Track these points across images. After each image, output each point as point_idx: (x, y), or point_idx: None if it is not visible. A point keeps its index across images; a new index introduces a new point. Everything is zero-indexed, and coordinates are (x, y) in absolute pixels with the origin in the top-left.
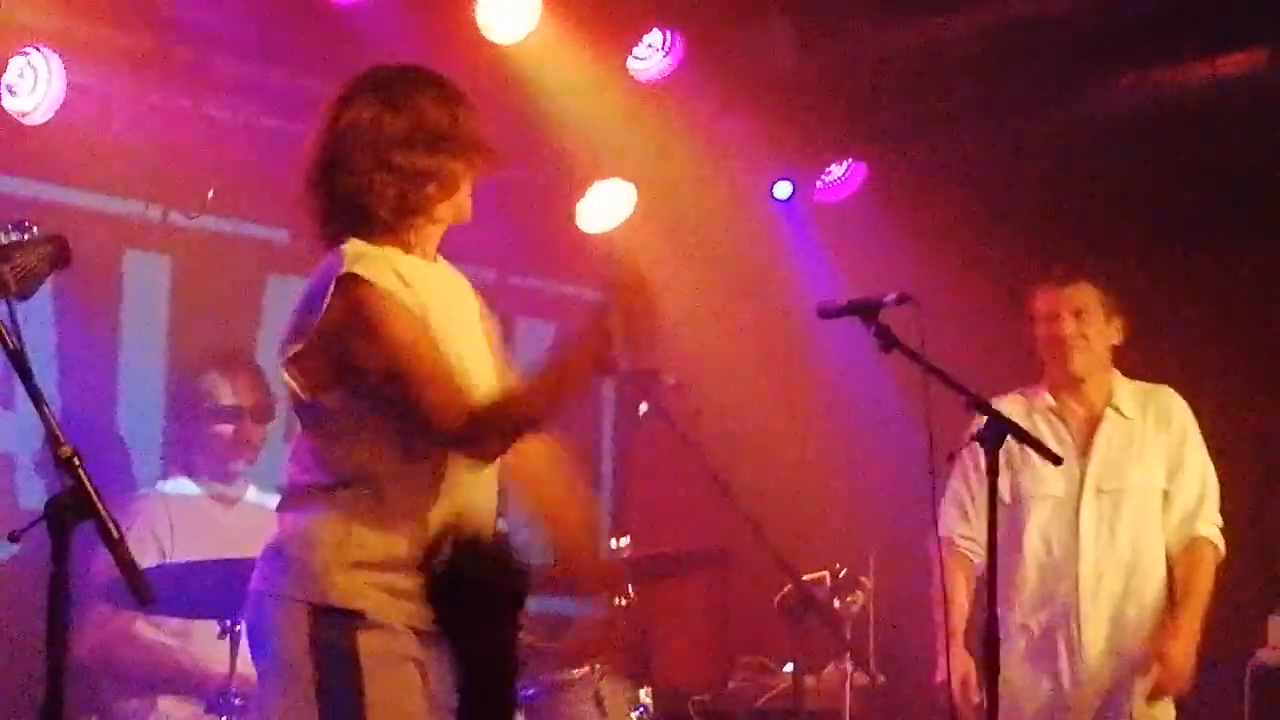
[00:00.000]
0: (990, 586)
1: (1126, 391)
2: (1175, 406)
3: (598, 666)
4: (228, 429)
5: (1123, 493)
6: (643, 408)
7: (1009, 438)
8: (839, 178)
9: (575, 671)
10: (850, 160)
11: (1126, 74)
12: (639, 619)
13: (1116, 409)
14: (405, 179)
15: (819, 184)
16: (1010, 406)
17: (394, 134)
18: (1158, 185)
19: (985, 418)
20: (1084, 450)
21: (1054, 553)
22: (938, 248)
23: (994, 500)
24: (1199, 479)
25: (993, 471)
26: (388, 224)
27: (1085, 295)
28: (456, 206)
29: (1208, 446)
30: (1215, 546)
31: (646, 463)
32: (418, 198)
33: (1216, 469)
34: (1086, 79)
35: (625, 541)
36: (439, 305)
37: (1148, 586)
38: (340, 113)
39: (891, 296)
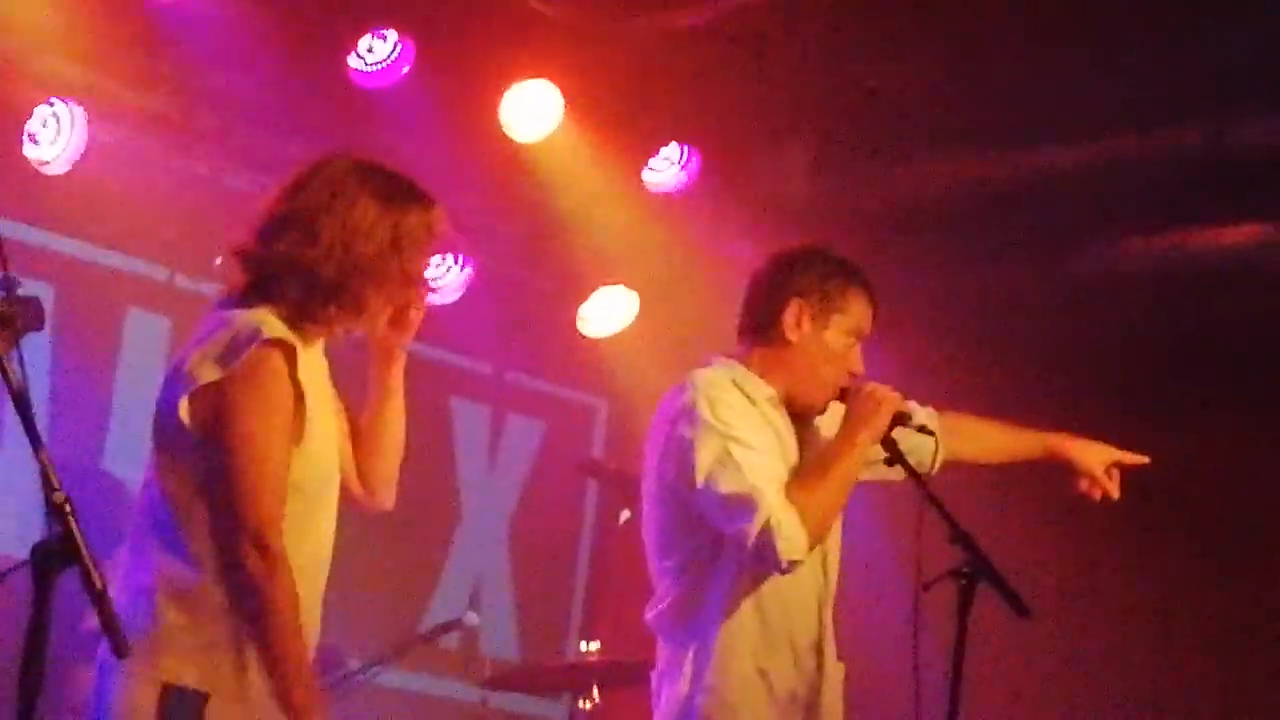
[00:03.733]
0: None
1: None
2: None
3: None
4: None
5: None
6: (625, 514)
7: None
8: None
9: None
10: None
11: (1132, 237)
12: None
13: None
14: (310, 285)
15: None
16: (729, 387)
17: (320, 239)
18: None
19: (967, 553)
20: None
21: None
22: (930, 380)
23: (963, 637)
24: None
25: (964, 611)
26: (288, 320)
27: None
28: (367, 324)
29: None
30: None
31: (623, 569)
32: (315, 309)
33: None
34: (1089, 237)
35: (595, 645)
36: (314, 390)
37: None
38: (290, 194)
39: (918, 421)
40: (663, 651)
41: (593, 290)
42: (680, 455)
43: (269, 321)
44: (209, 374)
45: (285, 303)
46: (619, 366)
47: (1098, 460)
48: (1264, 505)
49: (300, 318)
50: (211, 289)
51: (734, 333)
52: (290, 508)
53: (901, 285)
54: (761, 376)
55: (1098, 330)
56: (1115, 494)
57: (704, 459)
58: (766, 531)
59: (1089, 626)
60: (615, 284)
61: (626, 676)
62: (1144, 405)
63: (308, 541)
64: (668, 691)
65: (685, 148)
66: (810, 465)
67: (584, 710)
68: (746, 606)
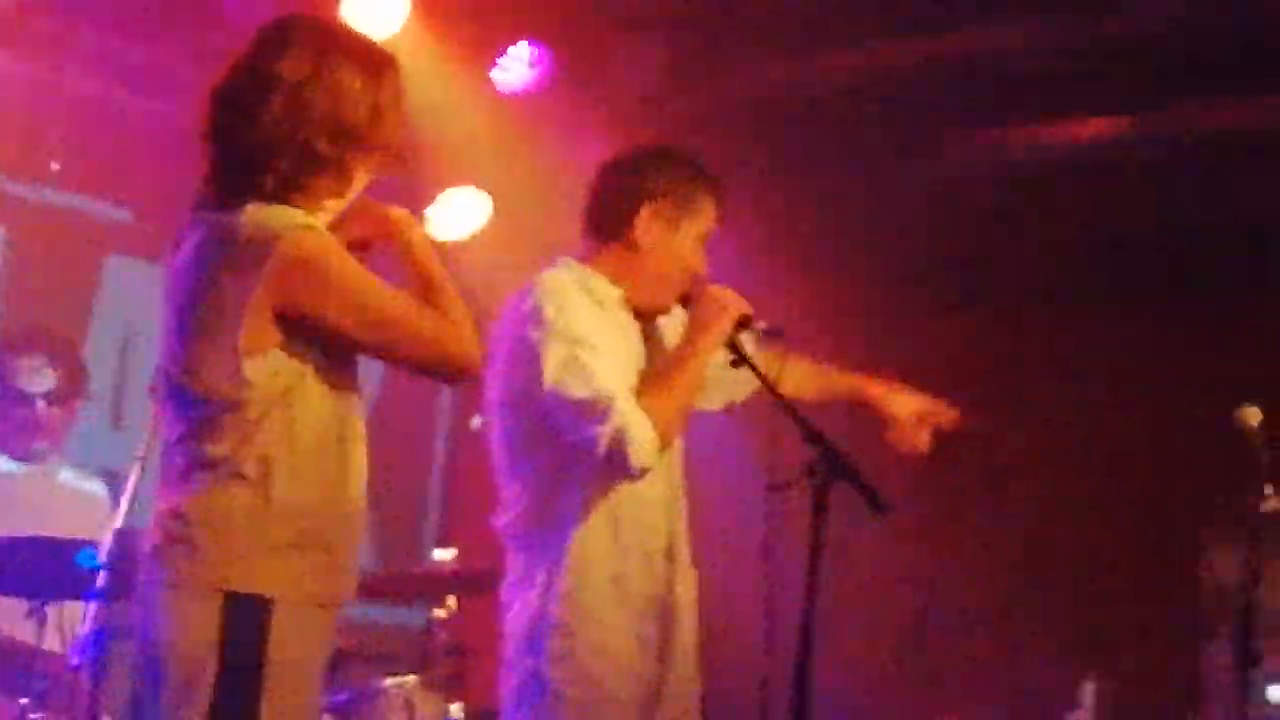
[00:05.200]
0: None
1: None
2: None
3: (411, 677)
4: (22, 410)
5: None
6: (477, 420)
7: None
8: None
9: (388, 680)
10: None
11: (989, 132)
12: (459, 632)
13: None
14: (304, 159)
15: None
16: (576, 289)
17: (312, 108)
18: (1014, 242)
19: (821, 451)
20: None
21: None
22: (791, 283)
23: (818, 536)
24: None
25: (821, 510)
26: (274, 195)
27: None
28: (343, 202)
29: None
30: None
31: (478, 476)
32: (307, 181)
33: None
34: (949, 134)
35: (450, 553)
36: None
37: None
38: (268, 59)
39: (762, 324)
40: (514, 560)
41: (440, 193)
42: (528, 360)
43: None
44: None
45: (274, 175)
46: (471, 271)
47: (906, 411)
48: (1096, 391)
49: (287, 189)
50: (48, 194)
51: (579, 230)
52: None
53: (755, 187)
54: (608, 278)
55: (935, 226)
56: (923, 448)
57: (551, 364)
58: (618, 438)
59: (947, 524)
60: (464, 185)
61: (483, 584)
62: (985, 301)
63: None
64: (520, 600)
65: (536, 46)
66: (658, 369)
67: (440, 618)
68: (598, 513)
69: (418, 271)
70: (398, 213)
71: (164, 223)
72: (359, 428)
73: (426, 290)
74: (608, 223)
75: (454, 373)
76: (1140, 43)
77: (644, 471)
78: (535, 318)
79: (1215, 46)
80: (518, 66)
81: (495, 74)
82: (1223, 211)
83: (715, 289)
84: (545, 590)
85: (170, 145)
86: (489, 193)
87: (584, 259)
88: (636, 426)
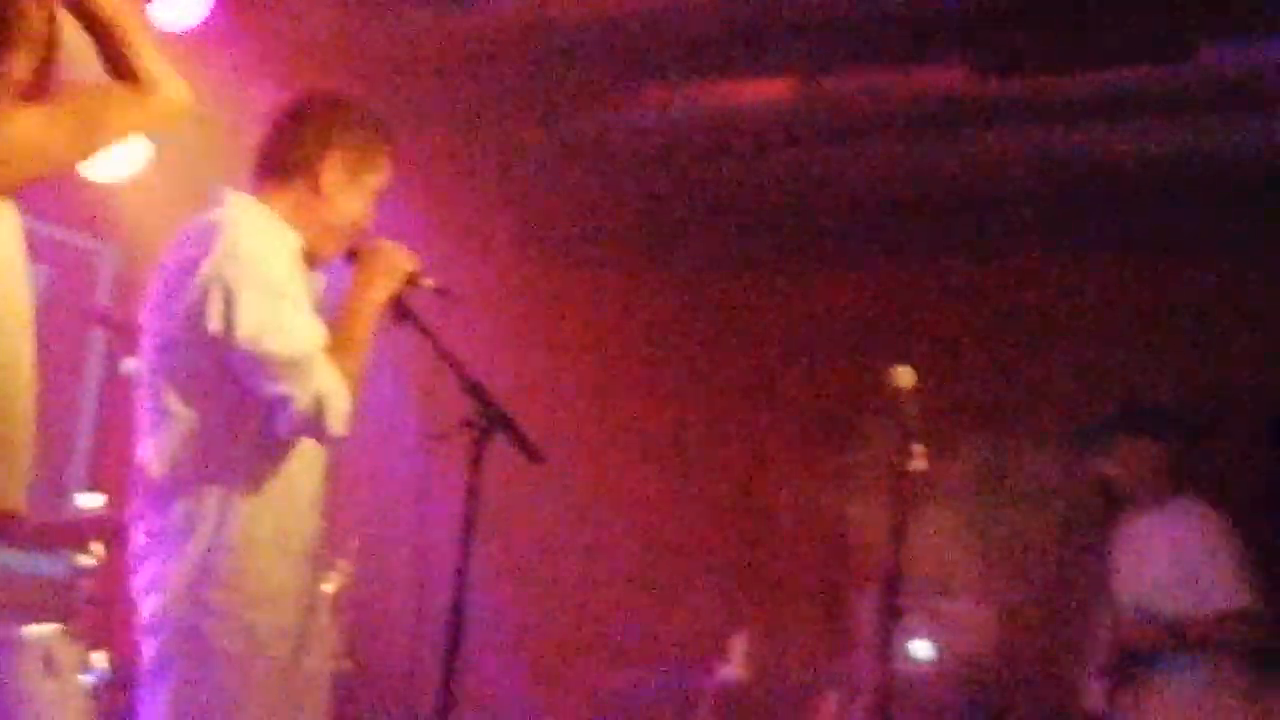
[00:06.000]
0: (460, 575)
1: None
2: None
3: (51, 626)
4: None
5: None
6: (129, 363)
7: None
8: None
9: (26, 629)
10: None
11: (662, 88)
12: (105, 581)
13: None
14: None
15: None
16: (265, 233)
17: None
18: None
19: (481, 406)
20: None
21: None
22: (459, 239)
23: (475, 488)
24: None
25: (476, 461)
26: None
27: None
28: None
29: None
30: None
31: (129, 420)
32: None
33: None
34: (628, 88)
35: (99, 500)
36: None
37: None
38: None
39: (429, 282)
40: (167, 509)
41: None
42: (218, 301)
43: None
44: None
45: None
46: (128, 211)
47: None
48: (769, 356)
49: None
50: None
51: (242, 174)
52: None
53: (427, 139)
54: (286, 221)
55: (619, 187)
56: None
57: (249, 314)
58: (318, 403)
59: (607, 467)
60: None
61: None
62: (658, 257)
63: None
64: (175, 552)
65: None
66: (341, 330)
67: (85, 566)
68: (269, 466)
69: None
70: None
71: None
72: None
73: None
74: (286, 165)
75: None
76: (808, 8)
77: (340, 437)
78: (228, 258)
79: (881, 14)
80: (180, 5)
81: (154, 11)
82: (885, 180)
83: (384, 243)
84: (211, 541)
85: None
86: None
87: (259, 199)
88: (336, 395)
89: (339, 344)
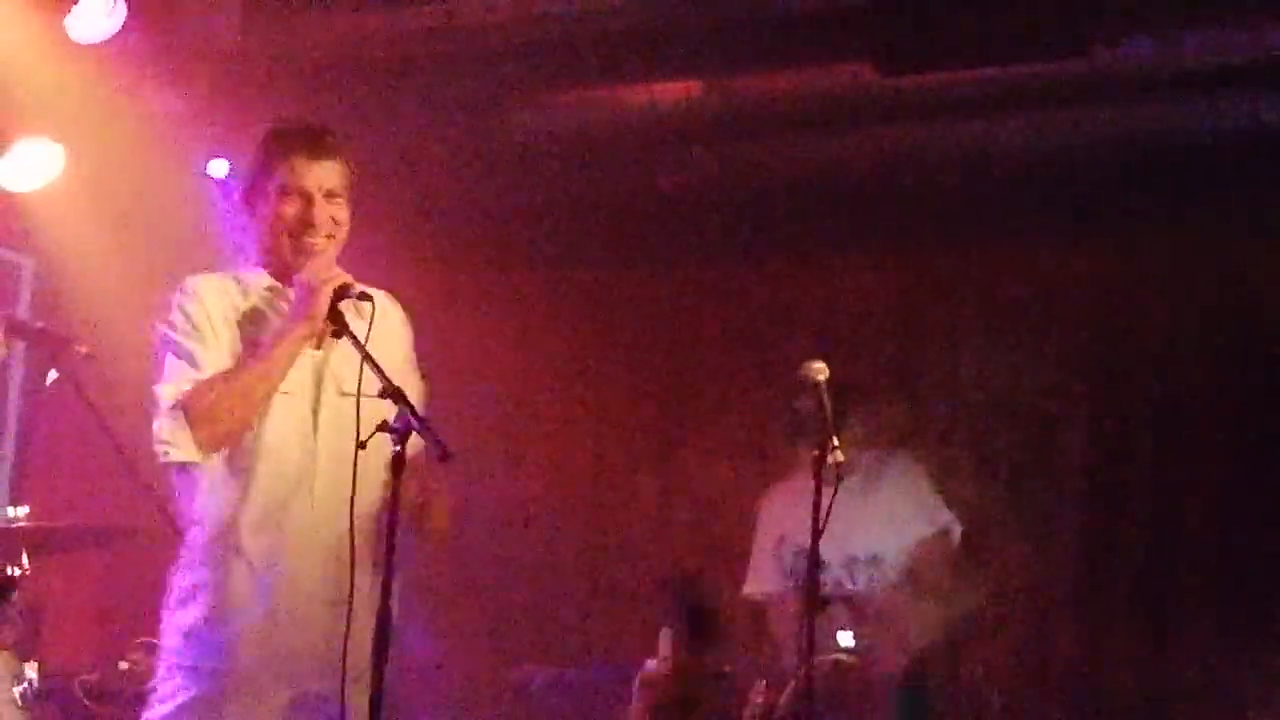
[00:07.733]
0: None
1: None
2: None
3: None
4: None
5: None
6: (51, 375)
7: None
8: None
9: None
10: None
11: (567, 91)
12: (31, 591)
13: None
14: None
15: None
16: (221, 285)
17: None
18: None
19: (399, 411)
20: (319, 344)
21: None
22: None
23: (396, 491)
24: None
25: (398, 473)
26: None
27: (340, 175)
28: None
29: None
30: None
31: (53, 432)
32: None
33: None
34: (539, 91)
35: (23, 511)
36: None
37: None
38: None
39: (358, 289)
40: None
41: (11, 143)
42: None
43: None
44: None
45: None
46: (44, 222)
47: None
48: (701, 344)
49: None
50: None
51: (157, 184)
52: None
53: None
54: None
55: (532, 188)
56: None
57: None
58: (157, 432)
59: (532, 447)
60: (38, 136)
61: (57, 542)
62: (573, 258)
63: None
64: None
65: None
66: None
67: (12, 577)
68: (235, 490)
69: None
70: None
71: None
72: None
73: None
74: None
75: None
76: (711, 8)
77: (187, 465)
78: None
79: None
80: (93, 16)
81: (69, 22)
82: (786, 177)
83: (306, 271)
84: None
85: None
86: (62, 144)
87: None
88: (168, 426)
89: (216, 378)
